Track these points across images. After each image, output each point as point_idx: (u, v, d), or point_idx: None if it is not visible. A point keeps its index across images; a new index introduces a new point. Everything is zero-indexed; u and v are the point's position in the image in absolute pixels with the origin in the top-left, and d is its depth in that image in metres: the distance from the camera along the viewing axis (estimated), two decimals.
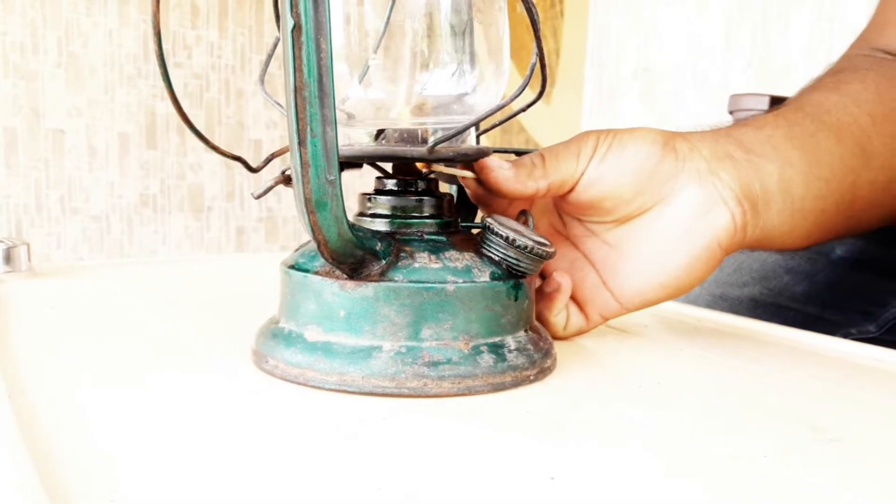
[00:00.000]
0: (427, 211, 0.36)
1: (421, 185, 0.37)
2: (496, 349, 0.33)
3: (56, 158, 1.73)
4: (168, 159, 1.87)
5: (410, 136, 0.37)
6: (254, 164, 0.36)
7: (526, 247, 0.34)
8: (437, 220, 0.36)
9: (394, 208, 0.36)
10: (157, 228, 1.88)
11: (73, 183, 1.76)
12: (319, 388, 0.31)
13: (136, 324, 0.43)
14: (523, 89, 0.34)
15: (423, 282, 0.32)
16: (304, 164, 0.29)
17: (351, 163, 0.37)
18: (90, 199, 1.78)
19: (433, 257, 0.34)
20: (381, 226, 0.36)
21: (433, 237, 0.35)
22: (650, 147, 0.39)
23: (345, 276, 0.33)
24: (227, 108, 1.94)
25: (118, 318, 0.44)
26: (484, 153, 0.37)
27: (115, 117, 1.79)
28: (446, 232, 0.36)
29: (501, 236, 0.34)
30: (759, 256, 0.60)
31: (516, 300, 0.35)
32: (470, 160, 0.37)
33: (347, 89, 0.37)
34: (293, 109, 0.29)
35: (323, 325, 0.33)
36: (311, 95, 0.29)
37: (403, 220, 0.36)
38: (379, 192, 0.37)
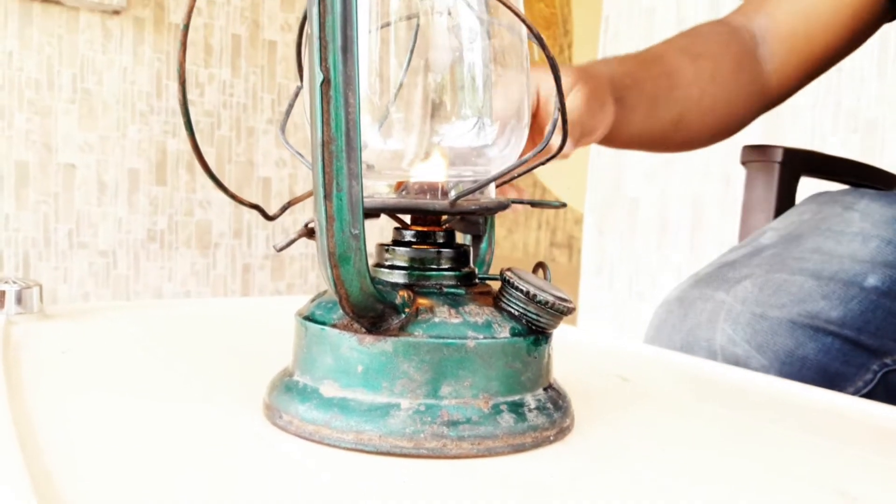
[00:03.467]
0: (445, 263, 0.36)
1: (440, 236, 0.37)
2: (516, 408, 0.32)
3: (66, 193, 1.74)
4: (177, 195, 1.88)
5: (430, 188, 0.37)
6: (264, 205, 0.36)
7: (546, 302, 0.34)
8: (456, 273, 0.36)
9: (412, 260, 0.36)
10: (163, 264, 1.88)
11: (81, 218, 1.76)
12: (335, 446, 0.31)
13: (146, 372, 0.43)
14: (545, 145, 0.33)
15: (443, 337, 0.32)
16: (328, 218, 0.28)
17: (369, 214, 0.37)
18: (98, 233, 1.78)
19: (453, 311, 0.33)
20: (399, 278, 0.35)
21: (452, 290, 0.35)
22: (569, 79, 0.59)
23: (363, 329, 0.32)
24: (237, 145, 1.96)
25: (128, 366, 0.44)
26: (504, 205, 0.36)
27: (125, 153, 1.80)
28: (465, 284, 0.36)
29: (521, 291, 0.34)
30: (796, 281, 0.61)
31: (536, 357, 0.34)
32: (491, 212, 0.37)
33: (366, 139, 0.36)
34: (320, 163, 0.29)
35: (340, 381, 0.32)
36: (339, 149, 0.28)
37: (422, 273, 0.35)
38: (397, 242, 0.36)
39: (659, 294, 1.54)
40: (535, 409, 0.33)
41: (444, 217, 0.39)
